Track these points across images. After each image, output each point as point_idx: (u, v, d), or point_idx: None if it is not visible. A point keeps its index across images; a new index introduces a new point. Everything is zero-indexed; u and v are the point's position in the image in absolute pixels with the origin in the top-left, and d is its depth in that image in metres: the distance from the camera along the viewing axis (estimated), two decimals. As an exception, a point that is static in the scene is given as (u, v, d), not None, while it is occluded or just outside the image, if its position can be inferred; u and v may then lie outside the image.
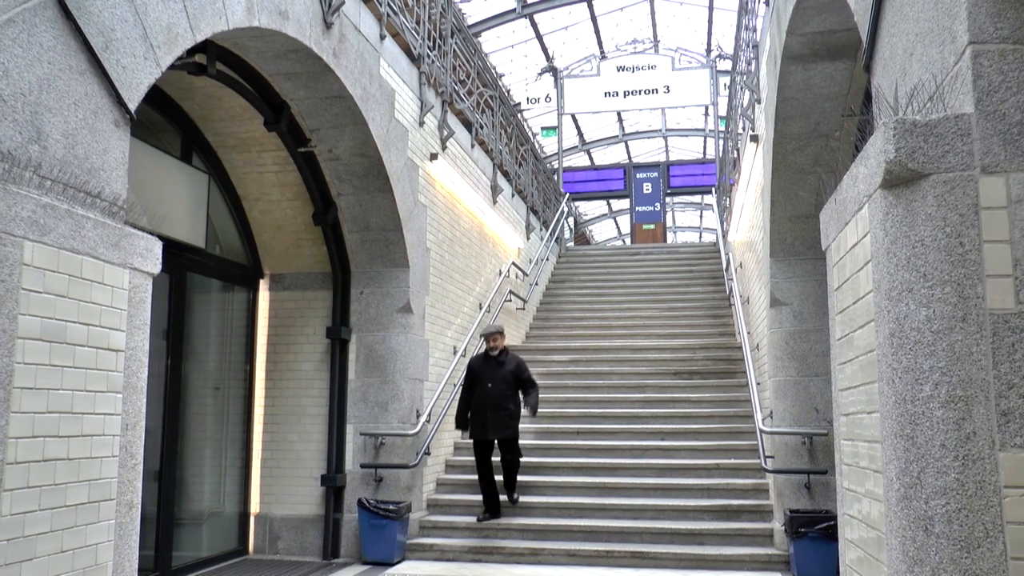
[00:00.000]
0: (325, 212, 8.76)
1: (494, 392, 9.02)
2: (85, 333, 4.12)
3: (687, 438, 10.28)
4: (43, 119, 4.11)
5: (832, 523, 7.35)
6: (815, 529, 7.49)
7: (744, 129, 10.98)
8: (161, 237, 4.87)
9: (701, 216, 36.49)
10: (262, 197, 8.85)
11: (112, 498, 4.33)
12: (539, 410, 11.42)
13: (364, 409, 8.99)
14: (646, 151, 30.99)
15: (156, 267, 4.70)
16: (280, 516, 8.95)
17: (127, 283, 4.44)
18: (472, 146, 11.84)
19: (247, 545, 8.97)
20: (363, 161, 8.51)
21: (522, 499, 9.40)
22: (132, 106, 4.71)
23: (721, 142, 19.45)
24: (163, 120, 7.66)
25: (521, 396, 9.29)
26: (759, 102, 9.10)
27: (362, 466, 8.84)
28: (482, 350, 9.59)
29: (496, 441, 9.09)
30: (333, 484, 8.80)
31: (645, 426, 10.61)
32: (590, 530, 8.76)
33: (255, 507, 9.04)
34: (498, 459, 9.23)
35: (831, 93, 7.09)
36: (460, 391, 9.52)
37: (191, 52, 5.93)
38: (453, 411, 10.49)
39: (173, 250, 7.03)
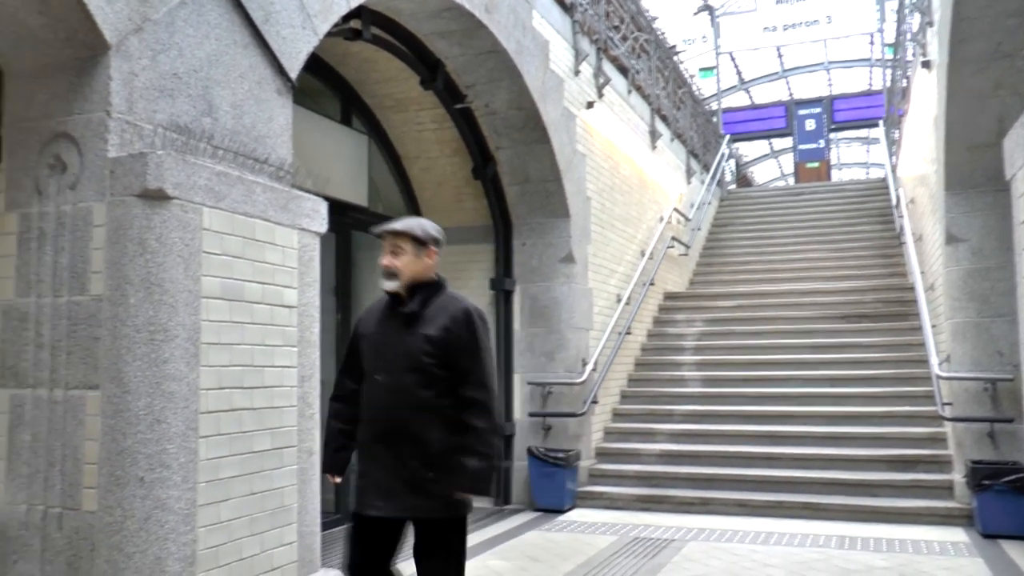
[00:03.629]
0: (484, 166, 8.89)
1: (390, 392, 3.54)
2: (260, 291, 4.38)
3: (857, 384, 9.94)
4: (213, 93, 4.36)
5: (1021, 475, 6.99)
6: (1001, 482, 7.10)
7: (914, 55, 10.36)
8: (326, 198, 5.08)
9: (868, 151, 34.72)
10: (421, 155, 9.06)
11: (293, 445, 4.61)
12: (704, 357, 11.33)
13: (530, 359, 9.14)
14: (808, 86, 29.68)
15: (323, 227, 4.93)
16: (453, 463, 9.24)
17: (296, 243, 4.68)
18: (629, 92, 11.69)
19: (422, 490, 9.32)
20: (520, 114, 8.56)
21: (690, 448, 9.34)
22: (293, 74, 4.93)
23: (889, 71, 18.42)
24: (322, 86, 7.94)
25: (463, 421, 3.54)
26: (931, 25, 8.55)
27: (530, 415, 9.01)
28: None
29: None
30: (502, 433, 9.03)
31: (813, 372, 10.32)
32: (759, 480, 8.63)
33: (429, 454, 9.36)
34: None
35: (1016, 8, 6.55)
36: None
37: (346, 18, 6.11)
38: (620, 360, 10.54)
39: (337, 210, 7.30)
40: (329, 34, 5.45)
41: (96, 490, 3.76)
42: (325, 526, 5.09)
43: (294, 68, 4.94)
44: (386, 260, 3.60)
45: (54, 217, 3.96)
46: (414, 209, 9.37)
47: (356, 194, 8.15)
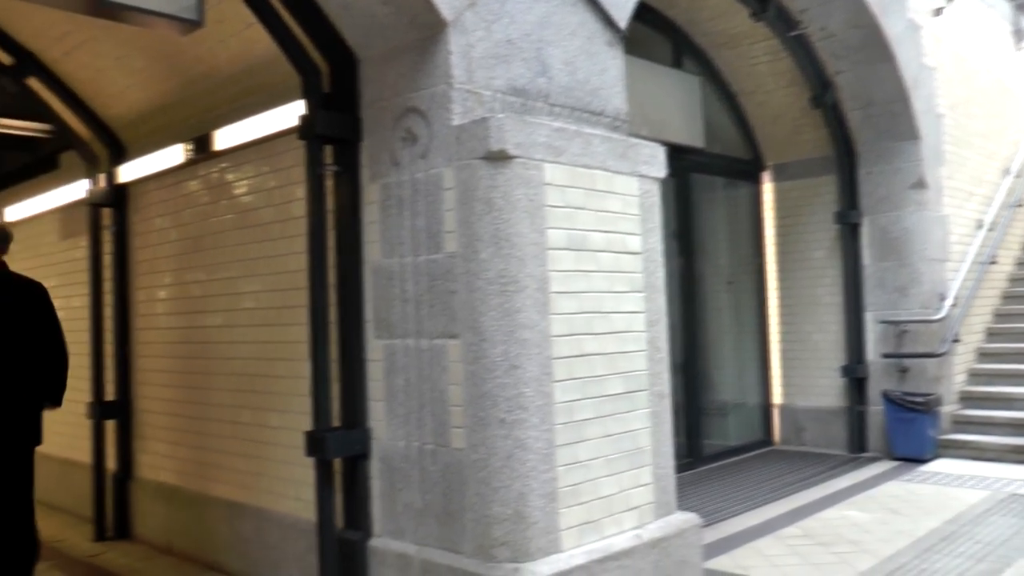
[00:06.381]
0: (823, 93, 8.45)
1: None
2: (604, 240, 4.49)
3: None
4: (545, 53, 4.51)
5: None
6: None
7: None
8: (663, 143, 5.07)
9: None
10: (756, 89, 8.80)
11: (644, 389, 4.71)
12: None
13: (881, 295, 8.62)
14: None
15: (662, 172, 4.94)
16: (802, 407, 9.02)
17: (636, 190, 4.74)
18: (985, -10, 10.54)
19: (771, 436, 9.20)
20: (858, 32, 8.02)
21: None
22: (622, 25, 4.96)
23: None
24: (651, 31, 7.94)
25: None
26: None
27: (883, 356, 8.52)
28: None
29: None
30: (854, 375, 8.62)
31: None
32: None
33: (777, 398, 9.21)
34: None
35: None
36: None
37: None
38: (983, 293, 9.62)
39: (674, 153, 7.29)
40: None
41: (462, 430, 4.09)
42: (679, 468, 5.16)
43: (623, 19, 4.97)
44: None
45: (409, 184, 4.33)
46: (752, 146, 9.16)
47: (692, 136, 8.10)
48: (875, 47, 8.08)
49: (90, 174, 6.95)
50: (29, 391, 4.86)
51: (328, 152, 4.61)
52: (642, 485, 4.62)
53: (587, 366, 4.34)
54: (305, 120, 4.55)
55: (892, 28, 8.08)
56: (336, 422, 4.61)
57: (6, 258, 4.97)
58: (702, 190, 8.70)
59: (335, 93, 4.63)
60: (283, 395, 5.23)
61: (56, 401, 5.15)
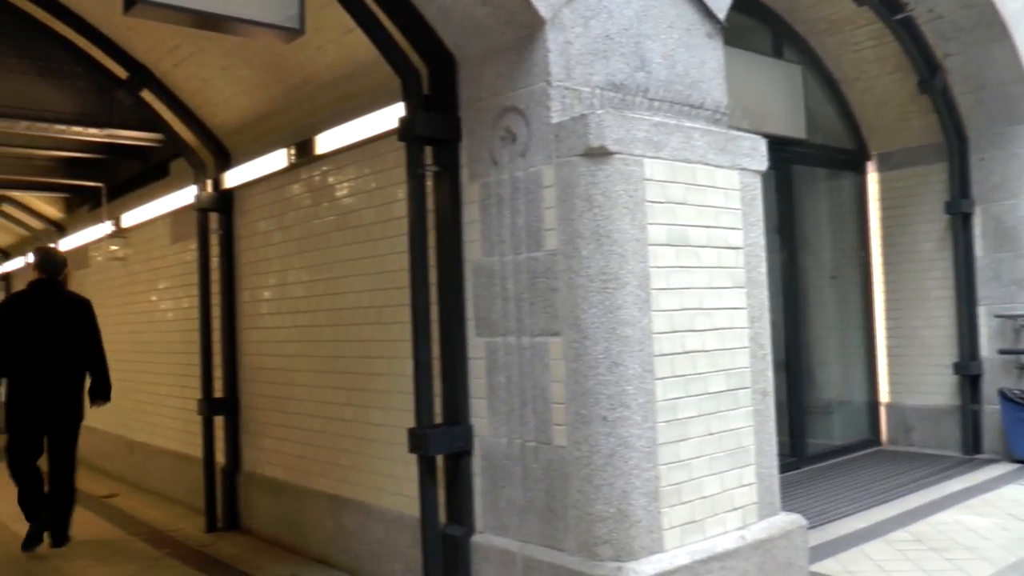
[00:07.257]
0: (931, 78, 8.15)
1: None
2: (705, 235, 4.42)
3: None
4: (644, 47, 4.47)
5: None
6: None
7: None
8: (764, 134, 4.96)
9: None
10: (860, 76, 8.56)
11: (747, 386, 4.62)
12: None
13: (996, 288, 8.27)
14: None
15: (763, 164, 4.83)
16: (911, 406, 8.72)
17: (738, 183, 4.65)
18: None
19: (879, 435, 8.93)
20: (970, 12, 7.71)
21: None
22: (721, 15, 4.87)
23: None
24: (750, 21, 7.78)
25: None
26: None
27: (999, 352, 8.17)
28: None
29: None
30: (967, 372, 8.29)
31: None
32: None
33: (884, 396, 8.94)
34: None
35: None
36: None
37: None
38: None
39: (775, 145, 7.12)
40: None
41: (564, 427, 4.07)
42: (782, 468, 5.05)
43: (722, 9, 4.88)
44: None
45: (509, 183, 4.33)
46: (856, 135, 8.91)
47: (793, 127, 7.93)
48: (989, 27, 7.75)
49: (198, 180, 7.19)
50: (76, 383, 6.57)
51: (428, 153, 4.65)
52: (745, 485, 4.53)
53: (689, 363, 4.28)
54: (405, 122, 4.61)
55: (1009, 5, 7.72)
56: (438, 419, 4.66)
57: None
58: (804, 182, 8.49)
59: (434, 94, 4.68)
60: (385, 392, 5.31)
61: (105, 397, 6.85)
